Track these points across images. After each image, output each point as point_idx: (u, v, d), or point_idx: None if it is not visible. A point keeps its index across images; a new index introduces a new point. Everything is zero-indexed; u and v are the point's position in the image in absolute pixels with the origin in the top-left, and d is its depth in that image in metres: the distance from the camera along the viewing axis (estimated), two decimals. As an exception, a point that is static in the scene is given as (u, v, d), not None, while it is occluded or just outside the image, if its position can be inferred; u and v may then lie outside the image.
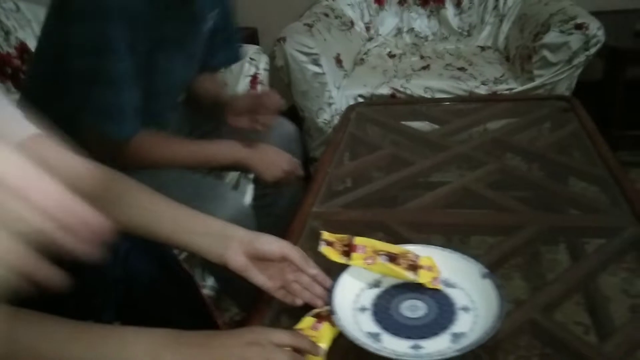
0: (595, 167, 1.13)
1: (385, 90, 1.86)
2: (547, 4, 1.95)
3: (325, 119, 1.92)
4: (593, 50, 1.70)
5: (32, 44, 1.49)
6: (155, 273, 0.83)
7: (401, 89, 1.85)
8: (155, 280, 0.82)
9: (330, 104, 1.90)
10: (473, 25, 2.27)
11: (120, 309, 0.81)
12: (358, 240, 0.80)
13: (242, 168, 1.23)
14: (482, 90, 1.80)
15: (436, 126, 1.53)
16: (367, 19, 2.36)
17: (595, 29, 1.68)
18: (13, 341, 0.55)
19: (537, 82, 1.76)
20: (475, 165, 1.21)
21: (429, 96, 1.82)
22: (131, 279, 0.80)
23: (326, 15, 2.14)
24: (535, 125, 1.44)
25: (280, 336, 0.64)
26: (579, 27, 1.68)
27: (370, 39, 2.34)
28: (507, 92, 1.80)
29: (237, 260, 0.72)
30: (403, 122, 1.50)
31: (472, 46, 2.18)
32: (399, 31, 2.36)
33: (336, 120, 1.91)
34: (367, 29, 2.36)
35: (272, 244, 0.74)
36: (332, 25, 2.10)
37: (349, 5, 2.31)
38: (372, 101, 1.83)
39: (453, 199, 1.09)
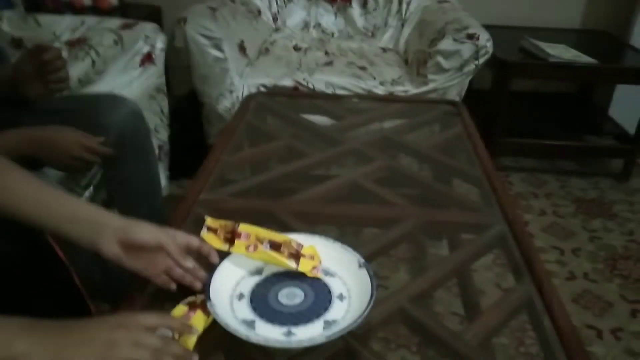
0: (474, 168, 1.21)
1: (288, 82, 1.86)
2: (445, 12, 2.05)
3: (225, 106, 1.89)
4: (482, 60, 1.81)
5: None
6: (18, 255, 0.76)
7: (304, 82, 1.86)
8: (17, 263, 0.76)
9: (231, 91, 1.87)
10: (377, 27, 2.34)
11: None
12: (242, 228, 0.80)
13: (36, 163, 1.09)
14: (380, 90, 1.86)
15: (334, 121, 1.56)
16: (274, 9, 2.35)
17: (485, 40, 1.79)
18: None
19: (431, 86, 1.85)
20: (367, 161, 1.24)
21: (330, 92, 1.85)
22: None
23: (232, 1, 2.10)
24: (425, 127, 1.51)
25: (148, 318, 0.61)
26: (470, 36, 1.78)
27: (277, 30, 2.33)
28: (402, 93, 1.87)
29: (111, 248, 0.70)
30: (302, 115, 1.52)
31: (374, 47, 2.24)
32: (306, 25, 2.38)
33: (236, 108, 1.88)
34: (275, 19, 2.35)
35: (147, 233, 0.71)
36: (237, 11, 2.06)
37: (257, -7, 2.28)
38: (274, 92, 1.82)
39: (342, 192, 1.11)
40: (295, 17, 2.37)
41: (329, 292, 0.76)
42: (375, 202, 1.08)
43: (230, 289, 0.77)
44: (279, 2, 2.35)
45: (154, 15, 2.43)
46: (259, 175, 1.15)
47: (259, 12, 2.26)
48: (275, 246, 0.79)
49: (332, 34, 2.37)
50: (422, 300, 0.81)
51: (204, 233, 0.80)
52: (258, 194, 1.10)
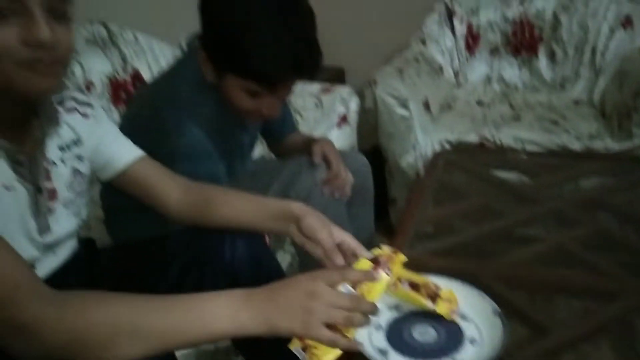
0: None
1: (473, 138, 1.85)
2: (649, 61, 1.89)
3: (409, 162, 1.92)
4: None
5: (145, 73, 1.61)
6: (245, 258, 0.90)
7: (490, 138, 1.83)
8: (244, 266, 0.90)
9: (415, 148, 1.91)
10: (566, 78, 2.22)
11: None
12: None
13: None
14: (576, 146, 1.75)
15: (526, 178, 1.50)
16: (456, 65, 2.37)
17: None
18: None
19: (636, 141, 1.69)
20: (570, 222, 1.17)
21: (519, 147, 1.79)
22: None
23: (417, 60, 2.17)
24: (634, 188, 1.38)
25: (334, 276, 0.69)
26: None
27: (458, 86, 2.35)
28: (602, 149, 1.73)
29: (298, 235, 0.87)
30: (493, 172, 1.49)
31: (565, 99, 2.13)
32: (488, 79, 2.35)
33: (420, 164, 1.91)
34: (456, 75, 2.37)
35: (315, 224, 0.86)
36: (421, 70, 2.12)
37: (439, 51, 2.33)
38: (460, 148, 1.82)
39: (548, 257, 1.06)
40: (477, 71, 2.36)
41: (462, 334, 0.80)
42: (585, 269, 1.01)
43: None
44: (460, 58, 2.37)
45: (339, 77, 2.60)
46: (457, 234, 1.15)
47: (441, 69, 2.30)
48: (414, 286, 0.83)
49: (516, 87, 2.31)
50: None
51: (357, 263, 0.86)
52: (455, 254, 1.10)
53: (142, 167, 0.92)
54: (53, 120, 0.79)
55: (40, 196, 0.77)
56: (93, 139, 0.88)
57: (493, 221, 1.19)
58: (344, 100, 1.69)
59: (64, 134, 0.82)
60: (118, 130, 0.94)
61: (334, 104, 1.67)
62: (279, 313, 0.65)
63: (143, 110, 1.13)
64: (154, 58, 1.65)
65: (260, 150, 1.59)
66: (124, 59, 1.59)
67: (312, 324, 0.64)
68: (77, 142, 0.85)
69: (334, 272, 0.71)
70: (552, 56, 2.25)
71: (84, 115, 0.87)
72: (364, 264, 0.79)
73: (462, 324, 0.82)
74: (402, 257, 0.83)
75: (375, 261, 0.79)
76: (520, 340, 0.84)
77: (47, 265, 0.81)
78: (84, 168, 0.87)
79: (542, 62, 2.26)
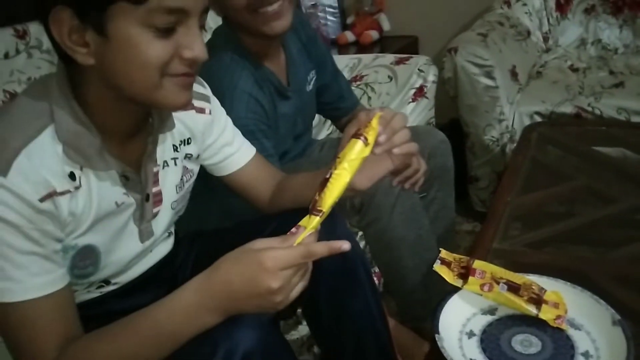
0: None
1: (568, 109, 1.64)
2: None
3: (493, 136, 1.76)
4: None
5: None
6: None
7: (589, 109, 1.62)
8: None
9: (500, 120, 1.73)
10: (678, 37, 1.95)
11: None
12: (477, 264, 0.78)
13: None
14: (694, 115, 1.51)
15: (633, 154, 1.31)
16: (545, 28, 2.14)
17: None
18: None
19: None
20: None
21: (624, 118, 1.57)
22: None
23: (501, 24, 1.97)
24: None
25: (282, 260, 0.61)
26: None
27: (547, 50, 2.12)
28: None
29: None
30: (595, 148, 1.31)
31: (676, 61, 1.86)
32: (582, 42, 2.10)
33: (505, 138, 1.74)
34: (545, 39, 2.14)
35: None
36: (507, 35, 1.92)
37: (526, 13, 2.11)
38: (553, 120, 1.63)
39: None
40: (569, 34, 2.12)
41: (572, 347, 0.70)
42: None
43: (460, 325, 0.74)
44: (551, 20, 2.13)
45: (412, 46, 2.44)
46: (557, 222, 0.99)
47: (528, 32, 2.08)
48: (514, 288, 0.74)
49: (615, 50, 2.05)
50: None
51: (437, 265, 0.79)
52: (559, 247, 0.95)
53: (252, 168, 0.91)
54: (167, 125, 0.76)
55: (147, 203, 0.75)
56: (208, 136, 0.85)
57: (601, 206, 1.03)
58: (421, 71, 1.54)
59: (178, 132, 0.79)
60: (233, 126, 0.91)
61: (409, 76, 1.53)
62: (244, 300, 0.63)
63: None
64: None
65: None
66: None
67: (279, 307, 0.63)
68: (189, 140, 0.82)
69: (279, 252, 0.62)
70: (661, 13, 1.97)
71: (200, 110, 0.82)
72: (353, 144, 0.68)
73: (573, 334, 0.71)
74: (377, 116, 0.70)
75: (356, 134, 0.68)
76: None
77: (144, 264, 0.81)
78: (193, 165, 0.84)
79: (649, 20, 1.99)
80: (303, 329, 1.09)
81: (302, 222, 0.65)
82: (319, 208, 0.65)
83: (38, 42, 1.18)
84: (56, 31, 0.60)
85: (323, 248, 0.62)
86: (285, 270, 0.61)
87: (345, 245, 0.63)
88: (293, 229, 0.65)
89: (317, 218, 0.65)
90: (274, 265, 0.60)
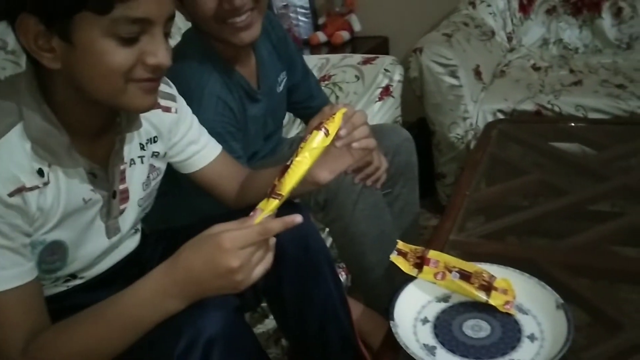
0: None
1: (529, 107, 1.70)
2: None
3: (458, 134, 1.81)
4: None
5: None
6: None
7: (548, 106, 1.68)
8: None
9: (465, 119, 1.78)
10: (634, 37, 2.02)
11: None
12: (432, 254, 0.82)
13: None
14: (646, 112, 1.58)
15: (590, 150, 1.37)
16: (509, 28, 2.21)
17: None
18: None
19: None
20: (642, 199, 1.05)
21: (581, 115, 1.64)
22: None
23: (465, 24, 2.02)
24: None
25: (240, 240, 0.63)
26: None
27: (511, 50, 2.18)
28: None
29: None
30: (551, 143, 1.36)
31: (632, 60, 1.93)
32: (544, 42, 2.17)
33: (470, 136, 1.79)
34: (509, 39, 2.20)
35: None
36: (471, 35, 1.98)
37: (490, 14, 2.17)
38: (515, 117, 1.68)
39: (618, 239, 0.95)
40: (532, 34, 2.18)
41: (519, 330, 0.74)
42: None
43: (414, 312, 0.78)
44: (514, 20, 2.20)
45: (382, 46, 2.48)
46: (512, 214, 1.04)
47: (493, 32, 2.14)
48: (465, 276, 0.78)
49: (576, 50, 2.12)
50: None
51: (394, 256, 0.83)
52: (513, 237, 1.00)
53: (218, 164, 0.93)
54: (135, 124, 0.77)
55: (114, 200, 0.77)
56: (175, 134, 0.87)
57: (553, 199, 1.08)
58: (387, 71, 1.58)
59: (145, 131, 0.81)
60: (199, 124, 0.92)
61: (376, 76, 1.57)
62: (207, 283, 0.65)
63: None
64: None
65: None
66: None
67: (241, 286, 0.65)
68: (156, 138, 0.83)
69: (236, 232, 0.64)
70: (618, 13, 2.05)
71: (166, 109, 0.84)
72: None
73: (520, 318, 0.75)
74: (342, 112, 0.74)
75: (318, 127, 0.71)
76: (588, 338, 0.74)
77: (110, 260, 0.83)
78: (159, 163, 0.86)
79: (607, 21, 2.07)
80: (270, 323, 1.12)
81: (260, 205, 0.67)
82: (277, 192, 0.67)
83: (3, 43, 1.18)
84: (22, 36, 0.62)
85: (278, 224, 0.64)
86: (244, 249, 0.62)
87: (297, 219, 0.65)
88: (251, 213, 0.66)
89: (276, 201, 0.67)
90: (232, 245, 0.62)
